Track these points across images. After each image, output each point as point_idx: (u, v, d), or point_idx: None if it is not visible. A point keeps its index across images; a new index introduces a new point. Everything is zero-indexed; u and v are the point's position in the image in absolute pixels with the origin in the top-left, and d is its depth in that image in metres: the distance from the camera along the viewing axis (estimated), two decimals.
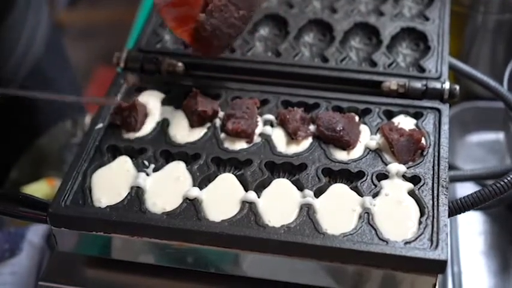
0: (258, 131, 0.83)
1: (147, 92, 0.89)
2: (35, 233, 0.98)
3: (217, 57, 0.88)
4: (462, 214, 0.77)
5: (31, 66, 1.20)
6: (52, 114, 1.26)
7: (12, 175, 1.16)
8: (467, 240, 1.00)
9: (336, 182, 0.78)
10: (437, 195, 0.74)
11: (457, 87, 0.86)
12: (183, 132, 0.84)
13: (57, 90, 1.33)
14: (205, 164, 0.79)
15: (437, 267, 0.69)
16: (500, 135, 1.11)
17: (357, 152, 0.80)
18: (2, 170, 1.18)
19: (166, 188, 0.77)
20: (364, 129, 0.83)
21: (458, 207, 0.76)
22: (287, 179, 0.78)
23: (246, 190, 0.76)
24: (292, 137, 0.82)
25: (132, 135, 0.83)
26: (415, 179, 0.76)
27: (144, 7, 1.46)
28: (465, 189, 0.97)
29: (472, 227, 1.02)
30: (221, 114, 0.85)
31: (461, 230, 1.01)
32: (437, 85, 0.86)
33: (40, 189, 1.11)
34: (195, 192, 0.76)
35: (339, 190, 0.77)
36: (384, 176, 0.77)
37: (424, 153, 0.79)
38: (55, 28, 1.31)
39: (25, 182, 1.12)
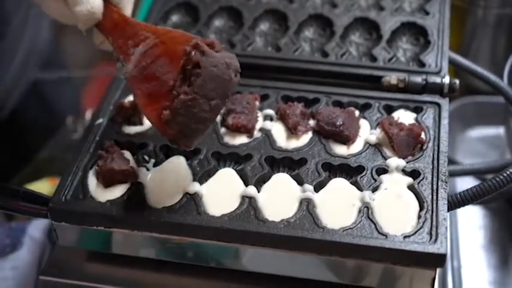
0: (258, 126, 0.83)
1: None
2: (36, 227, 0.98)
3: (189, 147, 0.72)
4: (462, 208, 0.77)
5: (26, 86, 1.18)
6: (50, 126, 1.25)
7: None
8: (467, 234, 1.00)
9: (335, 177, 0.78)
10: (437, 190, 0.74)
11: (457, 81, 0.86)
12: None
13: (55, 109, 1.31)
14: (205, 158, 0.80)
15: (437, 260, 0.69)
16: (500, 130, 1.11)
17: (356, 146, 0.80)
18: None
19: (167, 182, 0.77)
20: (364, 123, 0.83)
21: (457, 201, 0.76)
22: (287, 173, 0.78)
23: (246, 185, 0.77)
24: (292, 131, 0.82)
25: (132, 130, 0.83)
26: (414, 174, 0.77)
27: (145, 2, 1.45)
28: (465, 183, 0.97)
29: (471, 222, 1.02)
30: None
31: (461, 225, 1.01)
32: (437, 80, 0.86)
33: (42, 188, 1.10)
34: (195, 187, 0.76)
35: (339, 185, 0.77)
36: (383, 170, 0.77)
37: (424, 147, 0.79)
38: (55, 44, 1.29)
39: None
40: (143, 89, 0.71)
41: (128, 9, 0.76)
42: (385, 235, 0.71)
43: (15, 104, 1.18)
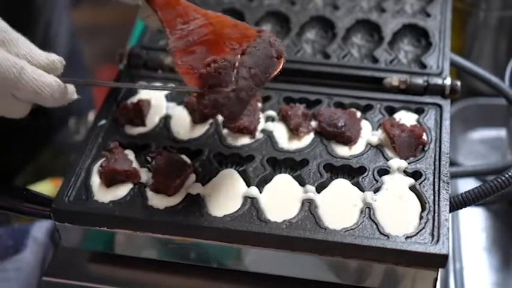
0: (260, 127, 0.84)
1: None
2: (39, 229, 0.98)
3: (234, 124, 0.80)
4: (464, 210, 0.77)
5: None
6: (53, 125, 1.25)
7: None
8: (469, 236, 1.00)
9: (337, 178, 0.78)
10: (439, 190, 0.74)
11: (459, 83, 0.86)
12: (185, 128, 0.84)
13: (77, 105, 1.31)
14: (207, 159, 0.80)
15: (439, 261, 0.69)
16: (502, 132, 1.11)
17: (358, 147, 0.81)
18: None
19: None
20: (365, 125, 0.83)
21: (459, 203, 0.76)
22: (289, 174, 0.78)
23: (248, 185, 0.77)
24: (294, 133, 0.82)
25: (135, 131, 0.84)
26: (416, 174, 0.77)
27: None
28: (467, 185, 0.97)
29: (474, 223, 1.02)
30: None
31: (463, 226, 1.01)
32: (439, 81, 0.86)
33: (45, 189, 1.11)
34: (197, 187, 0.76)
35: (341, 185, 0.77)
36: (385, 171, 0.78)
37: (425, 148, 0.79)
38: (75, 37, 1.29)
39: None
40: (186, 60, 0.74)
41: None
42: (387, 236, 0.71)
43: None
